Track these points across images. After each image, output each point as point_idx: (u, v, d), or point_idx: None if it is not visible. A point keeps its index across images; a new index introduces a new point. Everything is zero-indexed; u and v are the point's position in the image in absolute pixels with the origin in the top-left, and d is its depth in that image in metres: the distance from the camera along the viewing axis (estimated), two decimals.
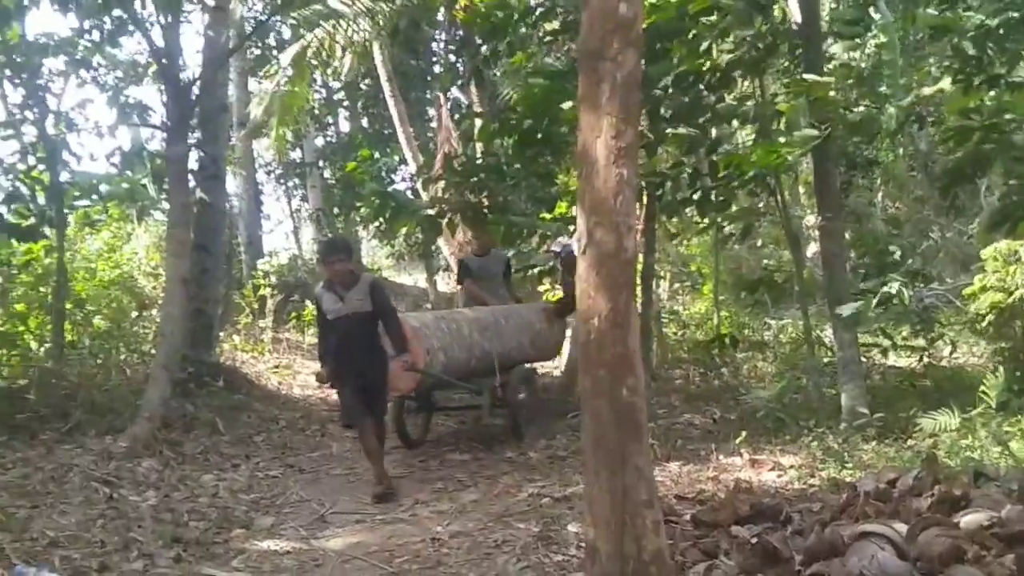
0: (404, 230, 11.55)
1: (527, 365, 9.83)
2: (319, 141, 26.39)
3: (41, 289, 10.99)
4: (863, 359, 8.86)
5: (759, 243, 16.16)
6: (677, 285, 15.25)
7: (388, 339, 7.40)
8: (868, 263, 8.62)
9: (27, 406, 8.83)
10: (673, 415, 9.49)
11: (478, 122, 11.39)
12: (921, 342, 9.73)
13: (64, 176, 10.82)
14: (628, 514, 4.32)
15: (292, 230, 31.53)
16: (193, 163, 10.72)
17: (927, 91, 7.13)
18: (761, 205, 11.54)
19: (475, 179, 8.64)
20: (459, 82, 11.87)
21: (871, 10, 8.09)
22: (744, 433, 7.77)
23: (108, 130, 11.48)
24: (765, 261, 14.73)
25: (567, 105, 7.65)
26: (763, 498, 5.49)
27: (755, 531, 4.99)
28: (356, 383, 7.29)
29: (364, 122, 24.21)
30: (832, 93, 7.33)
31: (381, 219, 9.20)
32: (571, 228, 9.79)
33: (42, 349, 10.45)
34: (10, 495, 6.79)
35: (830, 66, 8.18)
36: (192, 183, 10.33)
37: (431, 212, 9.07)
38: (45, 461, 7.66)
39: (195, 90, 9.82)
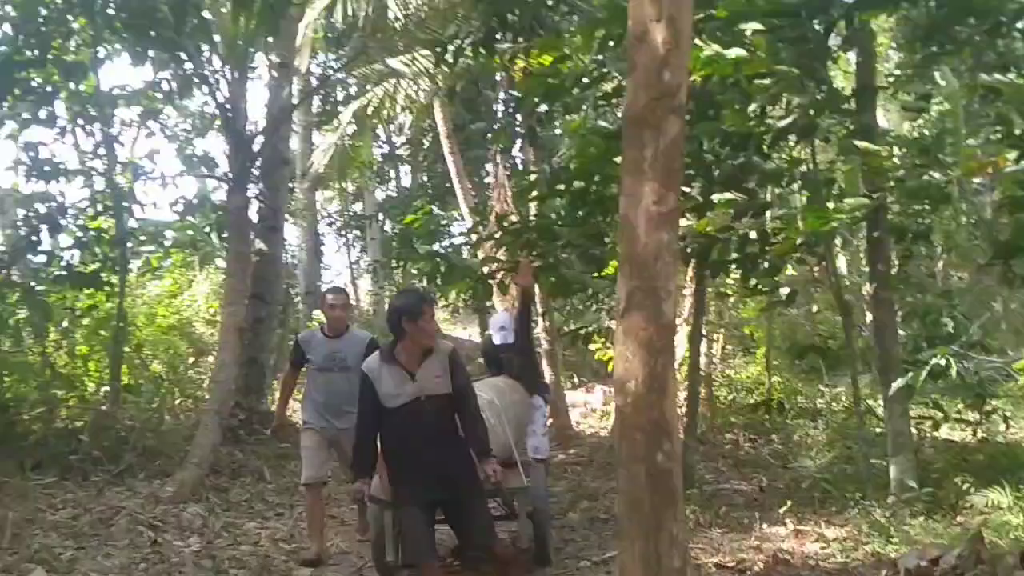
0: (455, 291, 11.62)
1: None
2: (380, 194, 26.78)
3: (102, 332, 11.27)
4: (914, 431, 8.69)
5: (814, 308, 16.01)
6: (729, 348, 15.13)
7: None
8: (921, 334, 8.49)
9: (81, 447, 9.02)
10: (719, 480, 9.39)
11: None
12: (976, 415, 9.52)
13: (130, 223, 11.14)
14: None
15: (351, 281, 31.98)
16: (253, 214, 10.98)
17: (986, 159, 7.07)
18: (817, 271, 11.47)
19: (525, 238, 8.68)
20: (514, 141, 11.99)
21: (936, 75, 8.05)
22: (789, 502, 7.65)
23: (173, 180, 11.77)
24: (820, 327, 14.57)
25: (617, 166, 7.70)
26: (802, 570, 5.41)
27: None
28: (428, 499, 5.20)
29: (424, 177, 24.54)
30: (889, 161, 7.31)
31: (434, 279, 9.27)
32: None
33: (101, 392, 10.69)
34: (59, 535, 6.94)
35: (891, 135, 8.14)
36: (251, 234, 10.55)
37: (483, 270, 9.13)
38: (94, 503, 7.81)
39: (257, 143, 10.07)
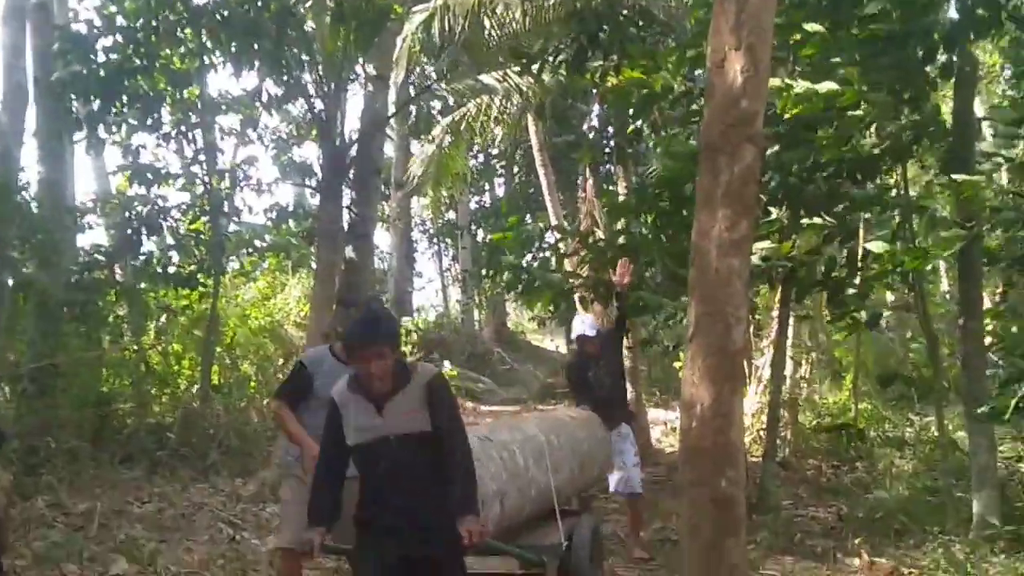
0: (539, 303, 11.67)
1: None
2: (473, 204, 27.03)
3: (195, 332, 11.64)
4: (1001, 466, 8.46)
5: (908, 335, 15.66)
6: (816, 372, 14.88)
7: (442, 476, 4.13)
8: (1011, 365, 8.24)
9: (169, 443, 9.32)
10: (798, 506, 9.25)
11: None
12: None
13: (227, 228, 11.51)
14: None
15: (441, 289, 32.36)
16: (345, 222, 11.23)
17: None
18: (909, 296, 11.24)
19: (609, 256, 8.70)
20: (604, 157, 12.06)
21: None
22: (866, 533, 7.51)
23: (268, 187, 12.11)
24: (912, 355, 14.24)
25: None
26: None
27: None
28: (392, 557, 4.05)
29: (517, 188, 24.71)
30: (987, 189, 7.16)
31: (516, 291, 9.35)
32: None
33: (192, 390, 11.03)
34: (143, 527, 7.21)
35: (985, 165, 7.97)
36: (341, 241, 10.79)
37: (570, 286, 9.18)
38: (179, 498, 8.08)
39: (351, 152, 10.31)
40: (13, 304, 9.30)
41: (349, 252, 11.02)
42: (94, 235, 17.08)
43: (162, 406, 10.57)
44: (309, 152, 25.45)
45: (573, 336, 7.87)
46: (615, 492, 7.76)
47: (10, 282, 8.82)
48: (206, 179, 11.21)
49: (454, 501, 3.94)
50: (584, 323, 7.76)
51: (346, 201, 10.99)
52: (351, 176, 11.06)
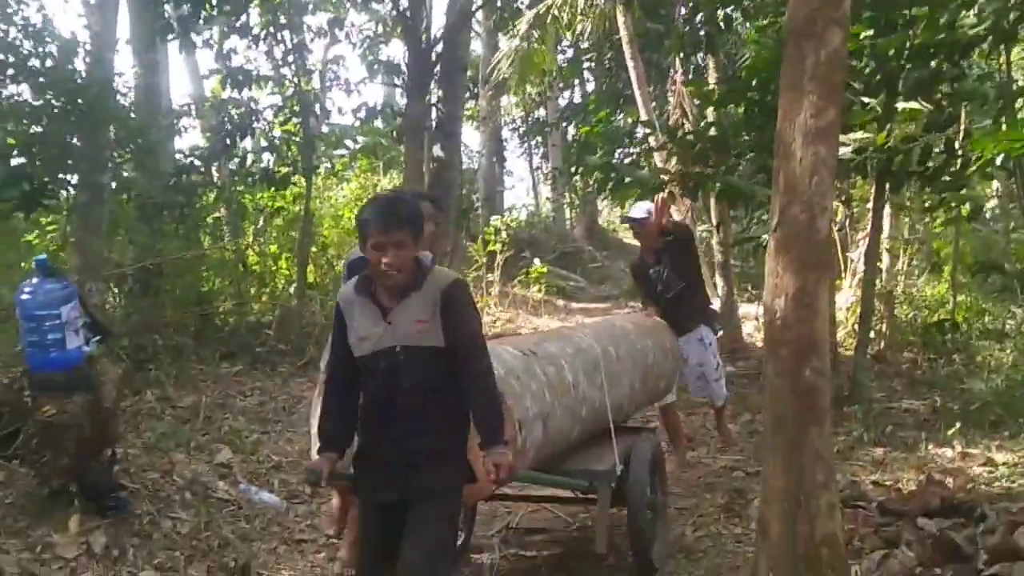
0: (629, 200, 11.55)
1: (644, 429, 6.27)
2: (564, 100, 26.73)
3: (291, 233, 11.90)
4: None
5: (1012, 225, 15.17)
6: (914, 265, 14.54)
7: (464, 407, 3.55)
8: None
9: (268, 340, 9.64)
10: (892, 399, 9.15)
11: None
12: None
13: (320, 128, 11.64)
14: (803, 494, 4.33)
15: (532, 187, 32.34)
16: (432, 121, 11.26)
17: None
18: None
19: (697, 148, 8.56)
20: (694, 48, 11.74)
21: None
22: (959, 424, 7.43)
23: (356, 86, 12.17)
24: (1013, 247, 13.81)
25: None
26: (957, 493, 5.30)
27: (944, 525, 4.83)
28: (381, 500, 3.54)
29: (606, 83, 24.31)
30: None
31: (604, 189, 9.27)
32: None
33: (290, 288, 11.33)
34: (246, 419, 7.53)
35: None
36: (428, 140, 10.84)
37: (658, 181, 9.08)
38: (279, 392, 8.40)
39: (437, 50, 10.27)
40: (115, 207, 9.59)
41: (437, 150, 11.07)
42: (190, 138, 17.49)
43: (261, 305, 10.89)
44: (396, 51, 25.38)
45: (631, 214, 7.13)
46: (669, 404, 7.00)
47: (112, 185, 9.06)
48: (296, 80, 11.31)
49: (480, 432, 3.41)
50: (636, 207, 7.09)
51: (433, 99, 10.98)
52: (437, 74, 11.03)
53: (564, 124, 24.35)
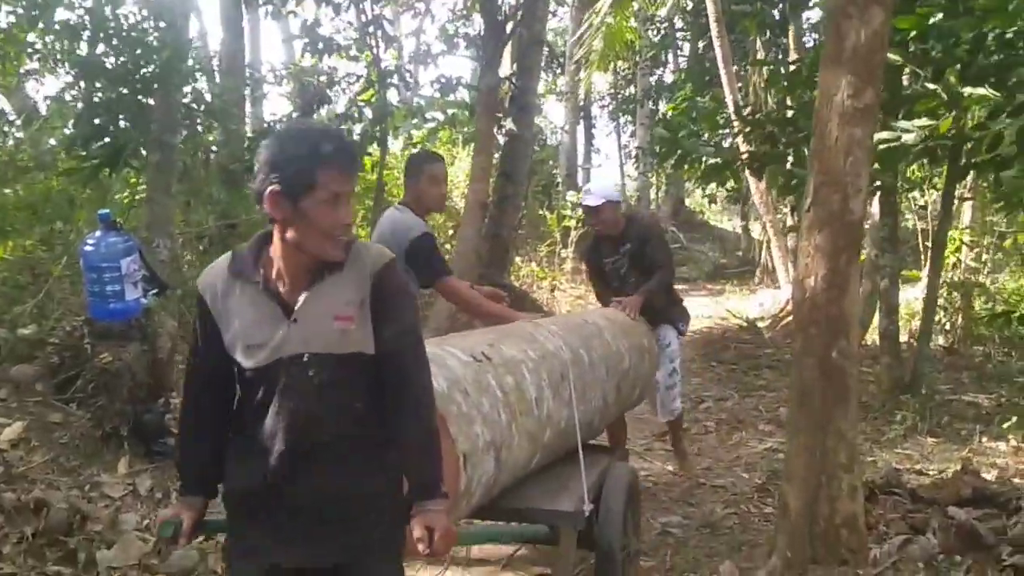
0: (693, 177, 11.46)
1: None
2: (654, 79, 26.53)
3: (367, 201, 12.14)
4: None
5: None
6: (995, 258, 14.16)
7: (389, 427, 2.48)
8: None
9: None
10: (956, 392, 9.00)
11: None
12: None
13: (394, 99, 11.83)
14: (825, 475, 4.35)
15: (619, 166, 32.20)
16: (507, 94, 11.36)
17: None
18: None
19: (768, 130, 8.48)
20: (770, 28, 11.60)
21: None
22: (1015, 419, 7.28)
23: (434, 59, 12.31)
24: None
25: None
26: (992, 483, 5.23)
27: (974, 514, 4.79)
28: (297, 561, 2.45)
29: (695, 62, 24.07)
30: None
31: (668, 163, 9.26)
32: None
33: None
34: None
35: None
36: (502, 114, 10.94)
37: (717, 160, 9.04)
38: None
39: (513, 24, 10.35)
40: (195, 169, 9.91)
41: (510, 124, 11.16)
42: (275, 104, 17.88)
43: None
44: (476, 23, 25.60)
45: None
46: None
47: (181, 147, 9.36)
48: (376, 50, 11.50)
49: (411, 475, 2.43)
50: (592, 191, 5.79)
51: (506, 73, 11.07)
52: (513, 47, 11.11)
53: (652, 102, 24.17)
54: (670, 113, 15.79)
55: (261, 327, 2.35)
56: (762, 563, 4.43)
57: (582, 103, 25.88)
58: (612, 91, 29.37)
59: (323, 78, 11.34)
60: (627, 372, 4.77)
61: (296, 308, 2.33)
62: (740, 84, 16.47)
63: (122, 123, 7.90)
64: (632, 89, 26.33)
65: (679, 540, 5.07)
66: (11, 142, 10.34)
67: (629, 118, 28.61)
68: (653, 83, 25.70)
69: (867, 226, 8.27)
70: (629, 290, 5.64)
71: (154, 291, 5.45)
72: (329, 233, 2.28)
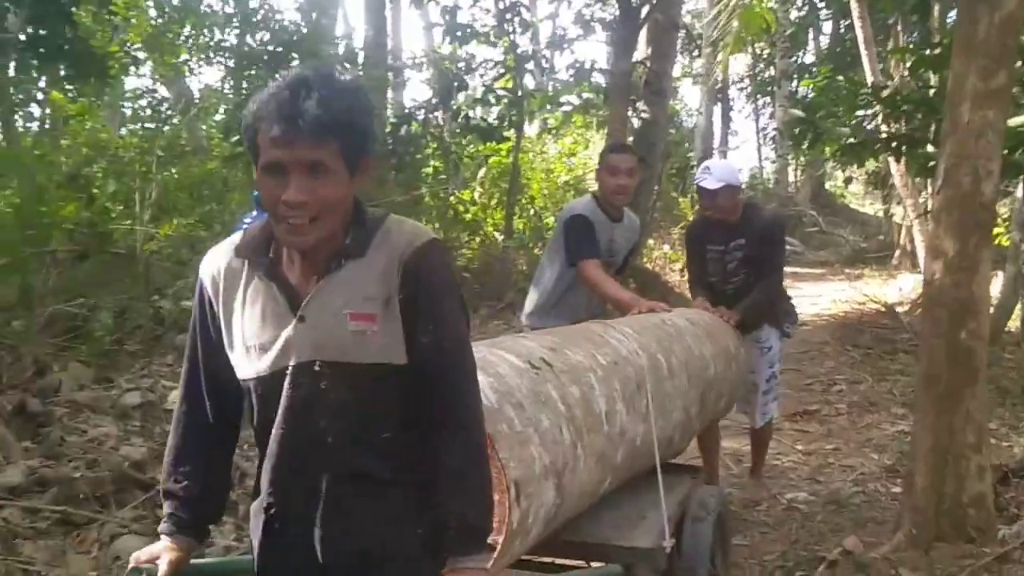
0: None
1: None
2: (794, 59, 26.05)
3: (502, 184, 12.44)
4: None
5: None
6: None
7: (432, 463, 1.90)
8: None
9: (468, 282, 10.22)
10: None
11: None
12: None
13: (533, 84, 12.08)
14: (952, 455, 4.40)
15: (757, 148, 31.79)
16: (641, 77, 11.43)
17: None
18: None
19: (903, 109, 8.36)
20: (910, 9, 11.26)
21: None
22: None
23: (570, 44, 12.47)
24: None
25: None
26: None
27: None
28: None
29: (836, 42, 23.57)
30: None
31: (803, 144, 9.20)
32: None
33: (497, 237, 11.89)
34: None
35: None
36: (635, 98, 11.03)
37: (852, 140, 8.93)
38: (475, 331, 8.93)
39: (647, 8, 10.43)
40: None
41: (643, 107, 11.23)
42: (414, 90, 18.39)
43: (472, 251, 11.51)
44: (611, 7, 25.62)
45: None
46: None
47: None
48: (512, 36, 11.76)
49: (443, 519, 1.87)
50: (711, 171, 4.98)
51: (641, 56, 11.15)
52: (648, 31, 11.18)
53: (791, 83, 23.77)
54: (808, 89, 15.59)
55: (264, 325, 1.86)
56: (887, 539, 4.50)
57: (719, 85, 25.63)
58: (751, 73, 29.00)
59: (461, 64, 11.65)
60: (712, 381, 4.13)
61: (304, 303, 1.82)
62: (881, 65, 16.11)
63: None
64: (771, 71, 25.94)
65: (805, 515, 5.16)
66: (168, 129, 11.02)
67: (768, 100, 28.21)
68: (793, 64, 25.28)
69: (1010, 210, 8.10)
70: (730, 289, 5.06)
71: None
72: (274, 213, 1.77)
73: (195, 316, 1.99)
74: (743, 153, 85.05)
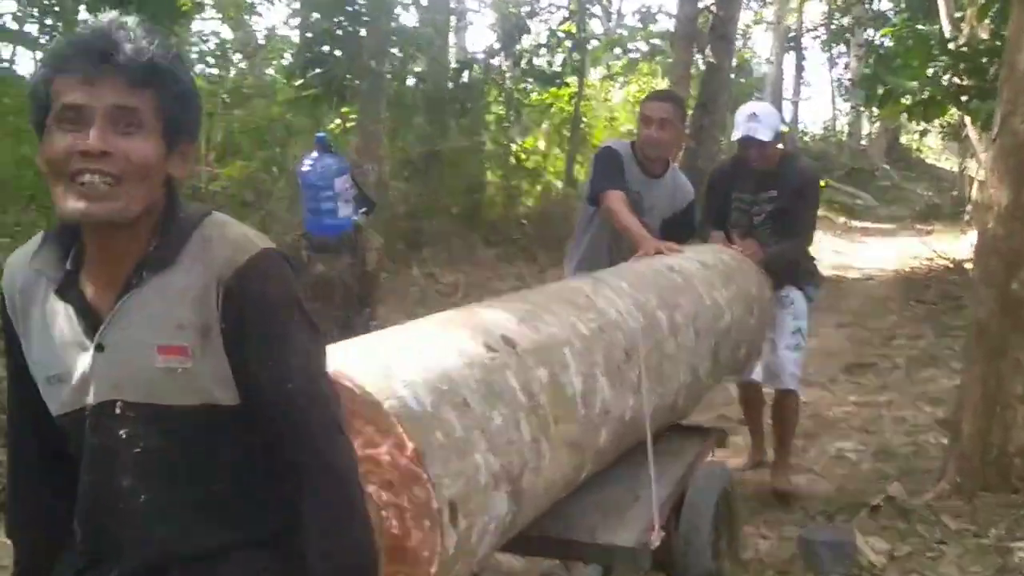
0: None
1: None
2: (870, 5, 25.36)
3: (564, 132, 12.43)
4: None
5: None
6: None
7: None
8: None
9: (528, 231, 10.26)
10: None
11: None
12: None
13: (596, 29, 12.01)
14: (999, 404, 4.38)
15: (831, 100, 31.17)
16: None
17: None
18: None
19: (972, 62, 8.15)
20: None
21: None
22: None
23: None
24: None
25: None
26: None
27: None
28: None
29: None
30: None
31: (874, 103, 9.02)
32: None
33: (558, 184, 11.91)
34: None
35: None
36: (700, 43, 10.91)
37: (923, 96, 8.72)
38: (535, 280, 8.99)
39: None
40: (403, 97, 10.44)
41: (707, 53, 11.11)
42: (477, 35, 18.36)
43: (534, 198, 11.55)
44: None
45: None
46: (752, 381, 4.83)
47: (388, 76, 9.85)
48: None
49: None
50: (758, 119, 4.35)
51: (706, 3, 11.01)
52: None
53: (865, 32, 23.17)
54: (885, 37, 15.20)
55: (61, 352, 1.48)
56: (931, 487, 4.51)
57: (792, 33, 25.12)
58: (825, 21, 28.31)
59: (524, 8, 11.61)
60: (727, 330, 3.61)
61: (102, 328, 1.44)
62: (959, 15, 15.64)
63: (336, 53, 8.49)
64: (847, 19, 25.32)
65: (852, 464, 5.17)
66: (234, 72, 11.17)
67: (843, 49, 27.55)
68: (869, 12, 24.63)
69: None
70: (754, 233, 4.52)
71: (364, 210, 5.96)
72: (56, 170, 1.39)
73: (5, 339, 1.57)
74: (814, 104, 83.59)
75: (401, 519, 1.85)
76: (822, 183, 16.24)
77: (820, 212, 14.98)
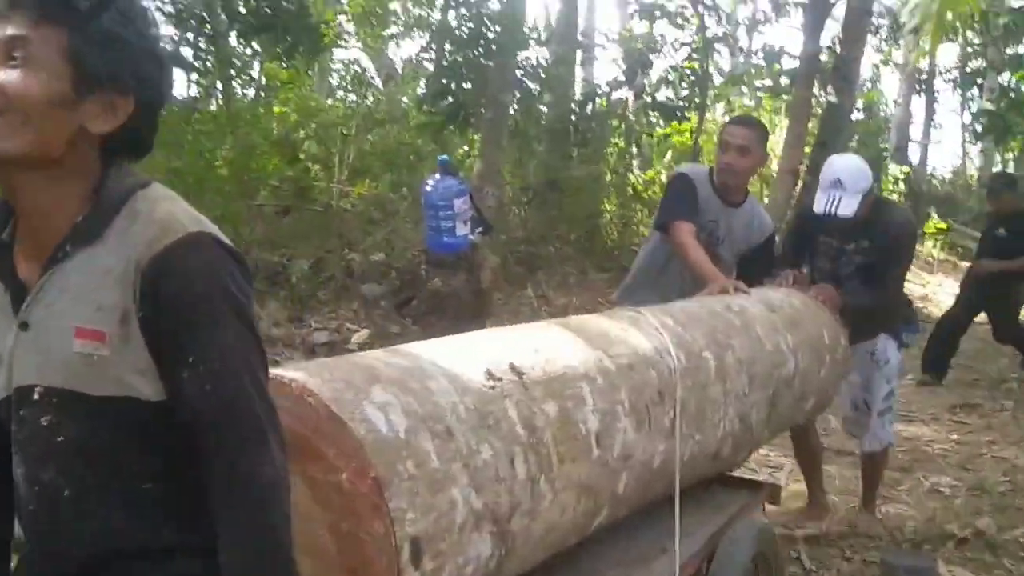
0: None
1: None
2: (1011, 50, 24.73)
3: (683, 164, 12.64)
4: None
5: None
6: None
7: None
8: None
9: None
10: None
11: None
12: None
13: (724, 65, 12.22)
14: None
15: (961, 142, 30.41)
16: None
17: None
18: None
19: None
20: None
21: None
22: None
23: (759, 26, 12.52)
24: None
25: None
26: None
27: None
28: None
29: None
30: None
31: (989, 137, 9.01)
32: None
33: None
34: None
35: None
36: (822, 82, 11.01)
37: None
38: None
39: None
40: (526, 126, 10.82)
41: (829, 93, 11.18)
42: (603, 69, 18.72)
43: (649, 228, 11.76)
44: None
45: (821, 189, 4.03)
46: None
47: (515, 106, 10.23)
48: (703, 17, 11.90)
49: None
50: (845, 186, 3.87)
51: (829, 43, 11.11)
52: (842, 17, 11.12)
53: (998, 75, 22.64)
54: (1016, 80, 14.96)
55: None
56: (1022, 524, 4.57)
57: (923, 76, 24.70)
58: (959, 65, 27.69)
59: (654, 43, 11.88)
60: (790, 379, 3.33)
61: (26, 304, 1.35)
62: None
63: (465, 84, 8.94)
64: (981, 61, 24.75)
65: (945, 498, 5.24)
66: (371, 99, 11.77)
67: (976, 92, 26.93)
68: (1004, 56, 24.04)
69: None
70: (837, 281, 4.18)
71: (480, 230, 6.32)
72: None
73: None
74: (944, 147, 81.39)
75: (361, 552, 1.68)
76: (944, 225, 16.13)
77: (942, 256, 15.01)
